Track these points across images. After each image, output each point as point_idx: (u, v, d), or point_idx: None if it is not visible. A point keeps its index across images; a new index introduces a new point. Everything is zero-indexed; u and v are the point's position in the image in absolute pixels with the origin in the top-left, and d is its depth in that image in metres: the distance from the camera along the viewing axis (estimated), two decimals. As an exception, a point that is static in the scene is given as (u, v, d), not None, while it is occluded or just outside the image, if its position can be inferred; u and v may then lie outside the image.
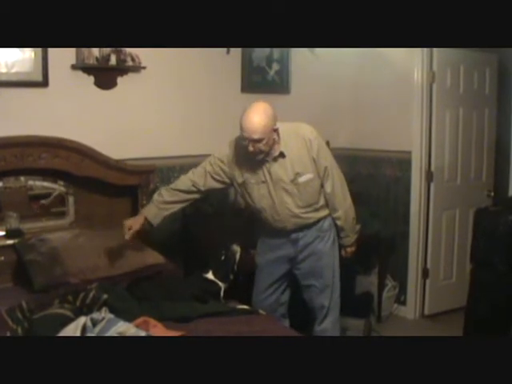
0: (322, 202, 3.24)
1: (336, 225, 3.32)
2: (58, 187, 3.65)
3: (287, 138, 3.10)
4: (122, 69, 3.81)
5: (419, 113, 4.55)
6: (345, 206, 3.28)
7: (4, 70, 3.39)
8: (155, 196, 3.28)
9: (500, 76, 4.97)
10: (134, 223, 3.21)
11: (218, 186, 3.27)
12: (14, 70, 3.41)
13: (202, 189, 3.25)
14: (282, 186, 3.12)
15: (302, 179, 3.12)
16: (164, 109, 4.07)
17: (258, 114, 2.93)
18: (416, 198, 4.66)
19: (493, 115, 4.96)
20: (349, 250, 3.45)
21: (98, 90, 3.78)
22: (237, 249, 3.17)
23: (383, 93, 4.77)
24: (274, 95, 4.58)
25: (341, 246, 3.42)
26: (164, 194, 3.26)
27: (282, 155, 3.09)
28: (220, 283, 3.08)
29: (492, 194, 4.79)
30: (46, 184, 3.61)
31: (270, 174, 3.12)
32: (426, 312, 4.79)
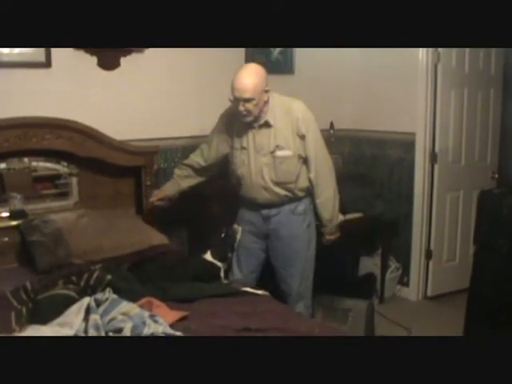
0: (300, 184, 3.24)
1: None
2: (61, 168, 3.65)
3: (277, 110, 3.15)
4: (125, 49, 3.78)
5: (424, 93, 4.52)
6: (324, 196, 3.28)
7: (7, 51, 3.37)
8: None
9: (506, 56, 4.93)
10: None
11: (221, 149, 3.39)
12: (16, 51, 3.39)
13: (209, 161, 3.45)
14: (261, 155, 3.17)
15: (279, 153, 3.15)
16: (167, 89, 4.05)
17: (249, 75, 3.01)
18: (420, 180, 4.65)
19: (498, 96, 4.93)
20: (327, 237, 3.42)
21: (101, 70, 3.76)
22: (238, 228, 3.18)
23: (387, 73, 4.74)
24: (278, 75, 4.54)
25: (321, 233, 3.42)
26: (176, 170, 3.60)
27: (267, 124, 3.14)
28: (219, 263, 3.09)
29: (496, 175, 4.77)
30: (49, 165, 3.61)
31: (254, 141, 3.17)
32: (429, 293, 4.80)
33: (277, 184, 3.20)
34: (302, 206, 3.31)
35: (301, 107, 3.21)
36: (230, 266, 3.31)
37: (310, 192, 3.30)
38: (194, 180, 3.55)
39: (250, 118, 3.10)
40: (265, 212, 3.29)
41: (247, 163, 3.21)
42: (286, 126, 3.15)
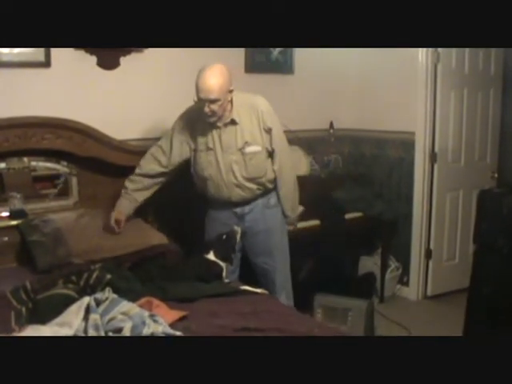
0: (268, 177, 3.27)
1: None
2: (61, 168, 3.65)
3: (240, 106, 3.15)
4: (124, 49, 3.78)
5: (423, 93, 4.52)
6: (286, 187, 3.35)
7: (7, 51, 3.37)
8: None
9: (505, 57, 4.93)
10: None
11: (185, 153, 3.30)
12: (16, 50, 3.39)
13: (170, 167, 3.34)
14: (230, 154, 3.16)
15: (249, 149, 3.16)
16: (167, 89, 4.05)
17: (214, 75, 2.99)
18: (419, 179, 4.65)
19: (498, 96, 4.93)
20: (287, 228, 3.52)
21: (100, 70, 3.76)
22: (237, 229, 3.19)
23: (388, 73, 4.74)
24: (278, 75, 4.57)
25: None
26: (128, 184, 3.37)
27: (233, 122, 3.14)
28: (221, 263, 3.09)
29: (496, 175, 4.77)
30: (49, 165, 3.60)
31: (220, 140, 3.16)
32: (429, 293, 4.80)
33: (248, 180, 3.22)
34: (273, 199, 3.36)
35: (263, 101, 3.23)
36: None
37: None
38: (150, 191, 3.40)
39: (214, 119, 3.08)
40: (238, 210, 3.31)
41: (215, 163, 3.19)
42: (251, 122, 3.17)
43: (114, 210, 3.35)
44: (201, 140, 3.21)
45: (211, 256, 3.10)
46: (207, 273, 3.03)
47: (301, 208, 3.52)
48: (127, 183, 3.38)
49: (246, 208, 3.30)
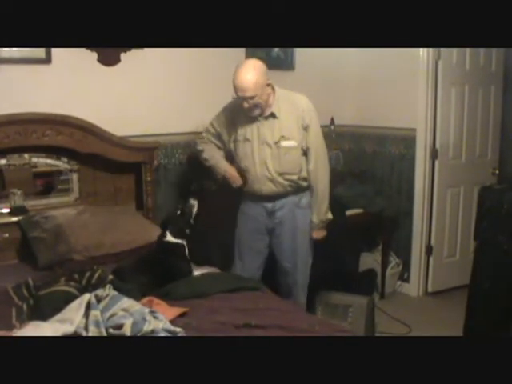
0: (302, 174, 3.26)
1: None
2: (61, 164, 3.65)
3: (282, 102, 3.19)
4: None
5: (424, 90, 4.52)
6: (318, 188, 3.29)
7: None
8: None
9: (506, 53, 4.92)
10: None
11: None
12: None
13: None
14: (266, 146, 3.18)
15: (284, 144, 3.18)
16: (168, 85, 4.05)
17: (248, 72, 3.02)
18: (420, 176, 4.65)
19: (499, 92, 4.92)
20: (314, 235, 3.41)
21: (101, 66, 3.76)
22: (194, 203, 3.16)
23: (388, 69, 4.74)
24: (279, 71, 4.54)
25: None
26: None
27: (273, 115, 3.17)
28: (181, 241, 3.08)
29: (497, 171, 4.77)
30: (49, 161, 3.60)
31: (258, 132, 3.19)
32: (430, 289, 4.80)
33: (281, 174, 3.22)
34: (305, 199, 3.33)
35: (304, 99, 3.26)
36: (190, 242, 3.21)
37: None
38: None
39: (257, 111, 3.13)
40: (269, 206, 3.30)
41: (250, 155, 3.23)
42: (290, 118, 3.19)
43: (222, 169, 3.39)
44: (240, 131, 3.25)
45: (169, 237, 3.07)
46: (173, 257, 3.03)
47: (329, 215, 3.40)
48: (202, 145, 3.47)
49: (277, 204, 3.30)
